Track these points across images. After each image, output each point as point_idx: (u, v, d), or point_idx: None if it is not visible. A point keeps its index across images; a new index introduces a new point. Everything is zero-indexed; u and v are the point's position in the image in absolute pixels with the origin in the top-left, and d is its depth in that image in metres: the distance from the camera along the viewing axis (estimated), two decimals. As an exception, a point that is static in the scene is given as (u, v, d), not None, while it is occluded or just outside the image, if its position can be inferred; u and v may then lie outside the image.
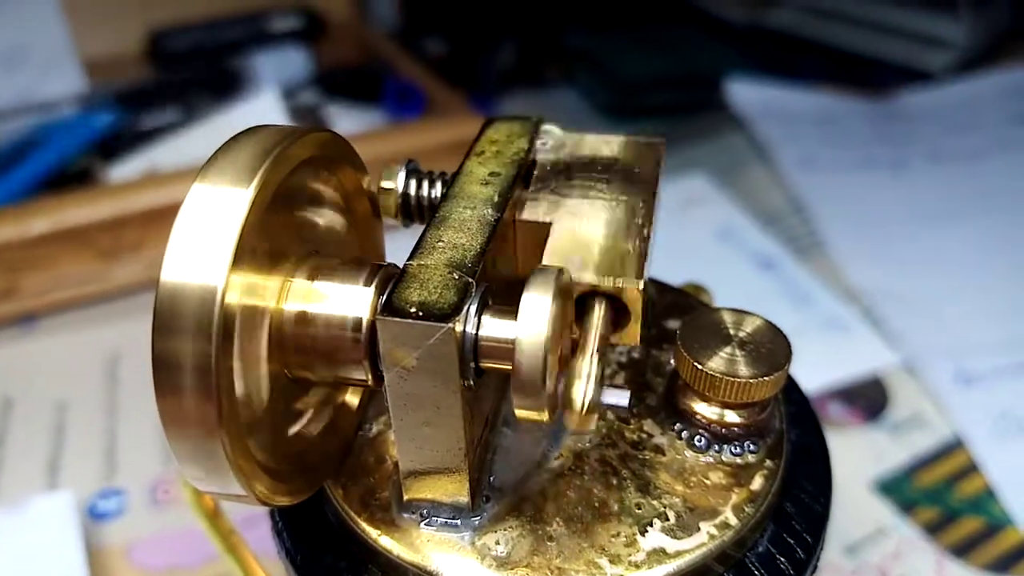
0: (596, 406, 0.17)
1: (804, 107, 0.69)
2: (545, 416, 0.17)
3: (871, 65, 0.75)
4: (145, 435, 0.42)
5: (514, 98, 0.73)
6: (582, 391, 0.17)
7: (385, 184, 0.22)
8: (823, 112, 0.69)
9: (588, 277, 0.20)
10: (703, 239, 0.56)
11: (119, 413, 0.43)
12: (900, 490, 0.39)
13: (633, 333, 0.21)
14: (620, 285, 0.20)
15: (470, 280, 0.18)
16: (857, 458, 0.41)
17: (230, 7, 0.69)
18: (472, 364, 0.18)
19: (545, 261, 0.21)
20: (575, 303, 0.20)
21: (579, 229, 0.21)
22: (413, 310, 0.17)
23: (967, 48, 0.72)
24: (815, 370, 0.44)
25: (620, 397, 0.20)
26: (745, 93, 0.70)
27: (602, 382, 0.18)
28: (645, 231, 0.21)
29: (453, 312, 0.17)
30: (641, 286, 0.20)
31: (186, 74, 0.66)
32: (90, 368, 0.46)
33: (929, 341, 0.47)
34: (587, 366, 0.18)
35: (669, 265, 0.28)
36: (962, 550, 0.37)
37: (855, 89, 0.71)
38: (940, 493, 0.39)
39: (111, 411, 0.44)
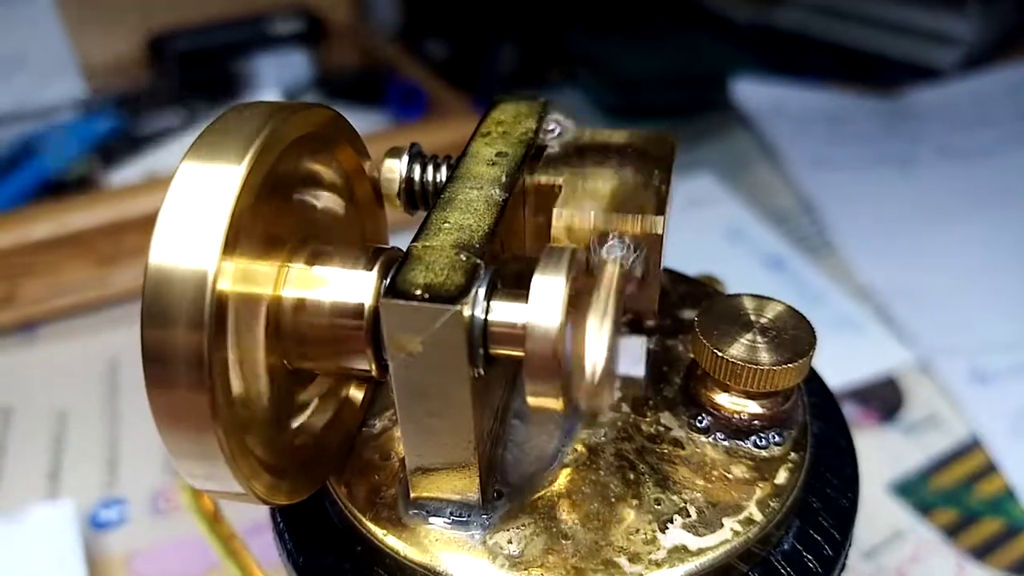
0: (610, 375, 0.15)
1: (812, 106, 0.68)
2: (560, 404, 0.16)
3: (879, 62, 0.74)
4: (147, 444, 0.41)
5: (517, 100, 0.72)
6: (593, 351, 0.15)
7: (388, 168, 0.22)
8: (831, 110, 0.68)
9: (601, 217, 0.19)
10: (711, 239, 0.55)
11: (120, 421, 0.43)
12: (917, 492, 0.38)
13: (653, 282, 0.19)
14: (638, 222, 0.19)
15: (478, 261, 0.17)
16: (873, 459, 0.40)
17: (231, 10, 0.68)
18: (481, 350, 0.17)
19: (556, 211, 0.20)
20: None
21: (592, 185, 0.20)
22: (418, 292, 0.16)
23: (975, 44, 0.72)
24: (828, 370, 0.43)
25: (635, 365, 0.19)
26: (752, 92, 0.69)
27: (615, 345, 0.16)
28: (664, 188, 0.20)
29: (460, 294, 0.16)
30: (662, 223, 0.19)
31: (187, 78, 0.65)
32: (91, 376, 0.46)
33: (943, 340, 0.46)
34: (599, 321, 0.15)
35: (677, 266, 0.27)
36: (982, 552, 0.36)
37: (863, 87, 0.71)
38: (958, 494, 0.38)
39: (112, 419, 0.43)
